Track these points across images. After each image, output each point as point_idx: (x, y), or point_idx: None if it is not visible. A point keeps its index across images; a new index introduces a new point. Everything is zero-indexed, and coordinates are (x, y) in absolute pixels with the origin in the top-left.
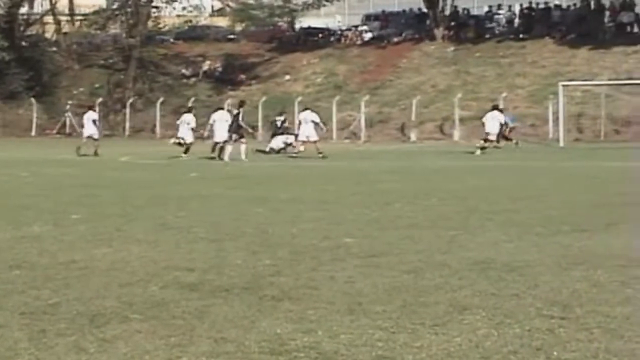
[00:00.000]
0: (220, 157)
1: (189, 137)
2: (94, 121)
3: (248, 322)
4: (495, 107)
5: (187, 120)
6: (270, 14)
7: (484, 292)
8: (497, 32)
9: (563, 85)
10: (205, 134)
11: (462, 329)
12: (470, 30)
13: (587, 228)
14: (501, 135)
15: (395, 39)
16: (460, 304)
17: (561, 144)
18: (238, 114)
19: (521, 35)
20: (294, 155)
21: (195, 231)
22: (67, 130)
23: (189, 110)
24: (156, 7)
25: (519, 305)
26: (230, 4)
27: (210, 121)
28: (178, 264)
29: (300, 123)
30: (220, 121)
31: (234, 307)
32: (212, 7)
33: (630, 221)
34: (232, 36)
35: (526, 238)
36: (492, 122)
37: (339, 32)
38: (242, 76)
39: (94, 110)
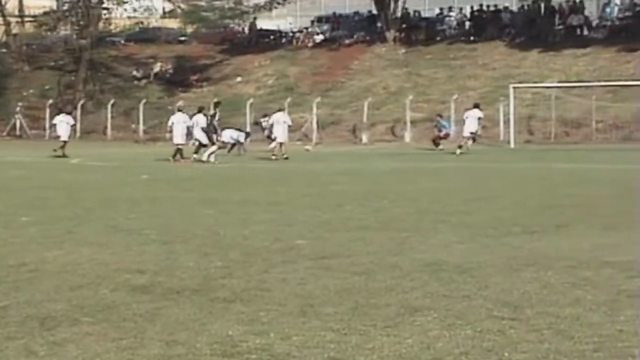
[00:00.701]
0: (174, 159)
1: (203, 139)
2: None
3: (199, 324)
4: (476, 105)
5: (283, 120)
6: (221, 15)
7: (435, 293)
8: (448, 34)
9: (514, 87)
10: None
11: (413, 330)
12: (421, 32)
13: (537, 229)
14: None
15: (347, 41)
16: (412, 305)
17: (512, 145)
18: (214, 114)
19: (472, 38)
20: (274, 157)
21: (146, 233)
22: (18, 132)
23: (199, 111)
24: (107, 9)
25: (470, 307)
26: (182, 5)
27: (169, 123)
28: (129, 267)
29: (273, 124)
30: (179, 123)
31: (185, 309)
32: (163, 8)
33: (579, 223)
34: (183, 38)
35: (477, 240)
36: (473, 121)
37: (291, 34)
38: (194, 78)
39: (67, 113)
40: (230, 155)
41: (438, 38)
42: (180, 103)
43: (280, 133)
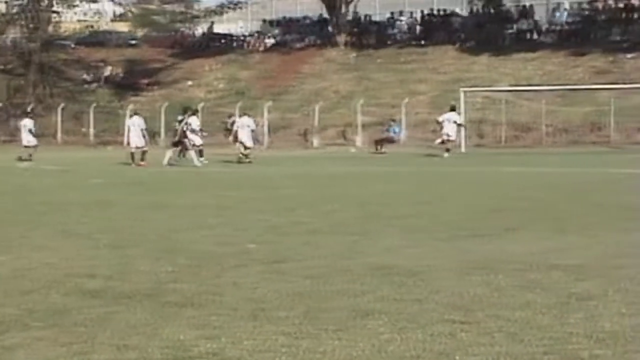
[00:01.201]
0: (136, 163)
1: (197, 140)
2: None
3: (151, 328)
4: (452, 109)
5: (248, 123)
6: (172, 19)
7: (387, 297)
8: (398, 38)
9: (464, 92)
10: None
11: (365, 334)
12: (371, 36)
13: (487, 233)
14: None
15: (298, 45)
16: (363, 309)
17: (462, 149)
18: (182, 120)
19: (422, 42)
20: (243, 160)
21: (98, 238)
22: None
23: (194, 113)
24: (56, 12)
25: (421, 310)
26: (132, 9)
27: (126, 127)
28: (80, 271)
29: (237, 129)
30: (135, 127)
31: (137, 313)
32: (114, 12)
33: (529, 226)
34: (133, 42)
35: (427, 243)
36: (451, 124)
37: (242, 37)
38: (144, 82)
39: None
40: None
41: (389, 42)
42: (131, 106)
43: (245, 137)
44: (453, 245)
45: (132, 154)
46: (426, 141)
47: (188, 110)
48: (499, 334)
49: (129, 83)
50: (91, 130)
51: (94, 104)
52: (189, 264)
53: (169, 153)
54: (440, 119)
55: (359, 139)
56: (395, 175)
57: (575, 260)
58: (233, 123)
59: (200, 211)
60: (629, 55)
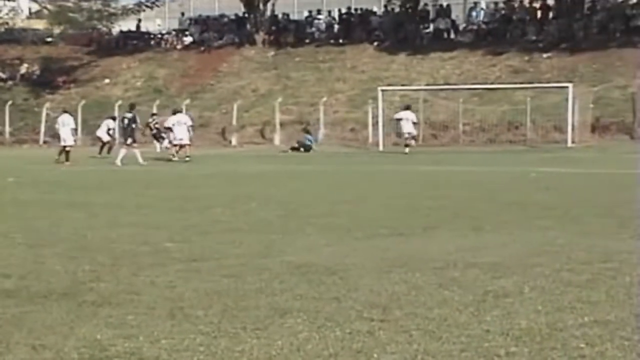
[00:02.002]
0: (62, 161)
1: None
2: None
3: (67, 328)
4: (407, 107)
5: (184, 121)
6: (89, 17)
7: (305, 295)
8: (316, 37)
9: (382, 90)
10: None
11: (283, 332)
12: (290, 35)
13: (405, 231)
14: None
15: (216, 44)
16: (281, 307)
17: (380, 148)
18: (134, 117)
19: (340, 41)
20: (173, 159)
21: (13, 237)
22: None
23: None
24: None
25: (340, 309)
26: (48, 6)
27: (57, 125)
28: None
29: (173, 126)
30: (64, 125)
31: (53, 313)
32: (29, 9)
33: (446, 224)
34: (50, 39)
35: (346, 242)
36: (408, 123)
37: (159, 35)
38: (61, 79)
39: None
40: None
41: (307, 41)
42: (48, 104)
43: (183, 134)
44: (372, 243)
45: (66, 152)
46: (344, 140)
47: (134, 106)
48: (416, 332)
49: (46, 81)
50: (7, 129)
51: (10, 102)
52: (106, 263)
53: (137, 152)
54: (397, 116)
55: (277, 138)
56: (314, 174)
57: (492, 258)
58: (156, 122)
59: (118, 210)
60: (544, 55)
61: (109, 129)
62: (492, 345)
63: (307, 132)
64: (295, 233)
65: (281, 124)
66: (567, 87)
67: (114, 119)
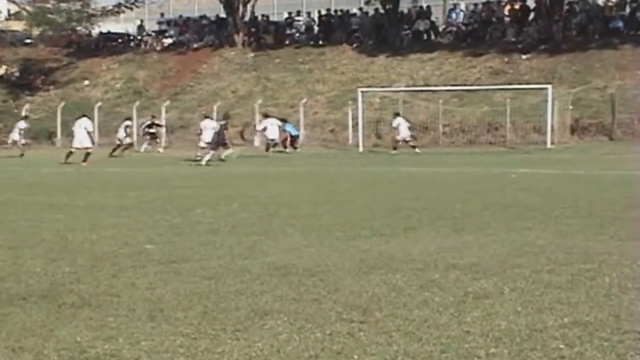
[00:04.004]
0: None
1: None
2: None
3: (47, 330)
4: (398, 114)
5: (212, 126)
6: (68, 18)
7: (285, 297)
8: (296, 38)
9: (362, 92)
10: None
11: (263, 334)
12: (269, 36)
13: (385, 233)
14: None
15: (195, 45)
16: (262, 309)
17: (360, 149)
18: (226, 124)
19: (320, 42)
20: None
21: None
22: None
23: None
24: None
25: (320, 310)
26: (27, 7)
27: (74, 127)
28: None
29: (203, 130)
30: (81, 128)
31: (32, 315)
32: (8, 10)
33: (426, 226)
34: (29, 40)
35: (326, 243)
36: (405, 127)
37: (139, 37)
38: (40, 81)
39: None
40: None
41: (287, 42)
42: (27, 106)
43: (210, 138)
44: (352, 245)
45: (71, 153)
46: (324, 141)
47: (228, 116)
48: (397, 333)
49: (25, 82)
50: None
51: None
52: (86, 264)
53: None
54: (394, 124)
55: (257, 139)
56: (295, 175)
57: (472, 259)
58: (150, 125)
59: (99, 212)
60: (524, 56)
61: (126, 128)
62: (472, 346)
63: (283, 120)
64: (276, 234)
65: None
66: (546, 88)
67: (130, 119)
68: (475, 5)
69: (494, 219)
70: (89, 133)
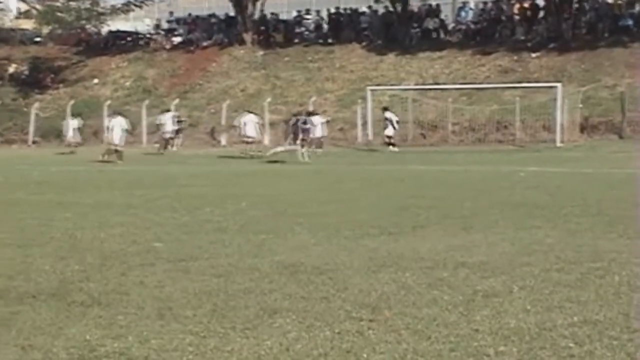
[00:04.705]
0: (107, 160)
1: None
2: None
3: (56, 328)
4: (385, 109)
5: (255, 120)
6: (77, 17)
7: (294, 295)
8: (305, 36)
9: (371, 90)
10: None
11: (272, 332)
12: (279, 34)
13: (394, 231)
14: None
15: (205, 43)
16: (271, 307)
17: (369, 147)
18: (310, 120)
19: (329, 40)
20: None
21: (1, 237)
22: None
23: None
24: None
25: (329, 308)
26: (37, 6)
27: (110, 125)
28: None
29: (243, 124)
30: (117, 126)
31: (42, 313)
32: (18, 9)
33: (435, 224)
34: (38, 39)
35: (335, 241)
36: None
37: (148, 35)
38: (49, 79)
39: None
40: None
41: (296, 41)
42: (36, 105)
43: (253, 132)
44: (361, 243)
45: (110, 150)
46: (333, 139)
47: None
48: (406, 332)
49: (34, 81)
50: None
51: None
52: (95, 263)
53: (303, 149)
54: (387, 116)
55: (266, 138)
56: (303, 173)
57: (481, 257)
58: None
59: (107, 210)
60: (533, 55)
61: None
62: (481, 344)
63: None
64: (284, 233)
65: (270, 124)
66: (555, 86)
67: (168, 111)
68: (485, 3)
69: (502, 217)
70: (124, 132)
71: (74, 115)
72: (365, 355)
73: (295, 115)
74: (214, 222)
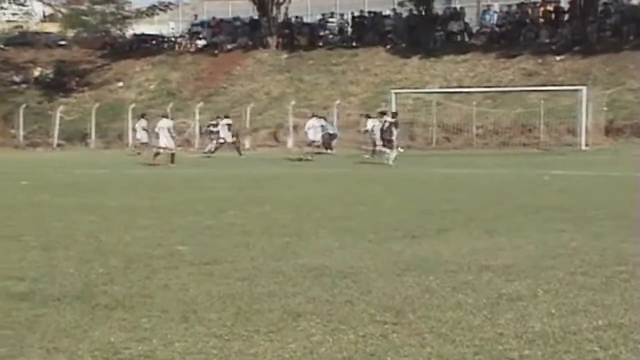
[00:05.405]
0: (157, 163)
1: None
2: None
3: (80, 331)
4: (383, 113)
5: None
6: (102, 20)
7: (318, 298)
8: (329, 39)
9: (395, 93)
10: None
11: (296, 335)
12: (303, 38)
13: (418, 234)
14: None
15: (229, 46)
16: (295, 310)
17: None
18: (396, 122)
19: (353, 44)
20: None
21: (26, 240)
22: None
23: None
24: None
25: (353, 312)
26: (62, 9)
27: (156, 129)
28: (8, 273)
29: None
30: (163, 129)
31: (66, 316)
32: (43, 12)
33: (459, 227)
34: (63, 42)
35: (359, 244)
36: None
37: (172, 38)
38: (74, 83)
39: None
40: None
41: (320, 44)
42: (61, 108)
43: (315, 136)
44: (385, 246)
45: (157, 153)
46: (356, 143)
47: (395, 115)
48: (430, 335)
49: (59, 84)
50: (20, 132)
51: (24, 105)
52: (119, 265)
53: (393, 153)
54: (368, 126)
55: (290, 141)
56: (328, 176)
57: (506, 261)
58: (215, 125)
59: (131, 213)
60: (558, 58)
61: (229, 127)
62: (505, 348)
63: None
64: (308, 236)
65: (294, 127)
66: (580, 89)
67: (227, 117)
68: (509, 6)
69: (527, 220)
70: (171, 134)
71: (140, 116)
72: (389, 359)
73: (381, 113)
74: (238, 225)
